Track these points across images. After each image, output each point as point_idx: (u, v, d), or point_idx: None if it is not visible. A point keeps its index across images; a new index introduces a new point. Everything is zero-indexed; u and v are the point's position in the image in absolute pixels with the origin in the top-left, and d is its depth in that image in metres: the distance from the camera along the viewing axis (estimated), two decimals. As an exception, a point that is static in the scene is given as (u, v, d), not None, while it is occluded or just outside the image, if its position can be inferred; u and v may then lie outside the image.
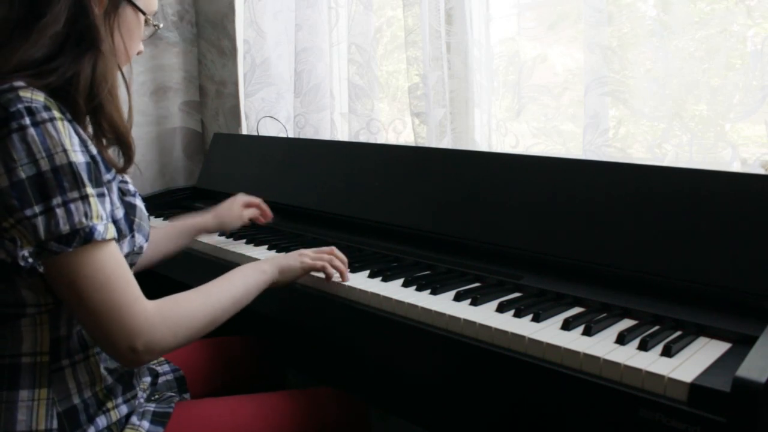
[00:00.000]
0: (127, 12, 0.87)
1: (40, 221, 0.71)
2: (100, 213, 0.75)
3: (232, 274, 0.94)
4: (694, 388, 0.65)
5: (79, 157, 0.75)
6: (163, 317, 0.78)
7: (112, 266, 0.75)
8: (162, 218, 1.70)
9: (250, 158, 1.79)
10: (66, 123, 0.75)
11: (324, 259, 1.05)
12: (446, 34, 1.54)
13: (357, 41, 1.71)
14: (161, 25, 0.97)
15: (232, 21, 2.08)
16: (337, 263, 1.05)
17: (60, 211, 0.72)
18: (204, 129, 2.29)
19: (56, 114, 0.74)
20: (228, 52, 2.13)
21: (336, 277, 1.05)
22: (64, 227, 0.71)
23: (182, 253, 1.43)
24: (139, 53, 0.95)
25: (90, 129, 0.85)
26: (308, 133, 1.91)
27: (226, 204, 1.32)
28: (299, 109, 1.93)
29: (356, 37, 1.72)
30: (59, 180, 0.72)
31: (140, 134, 2.11)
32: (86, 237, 0.72)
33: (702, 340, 0.79)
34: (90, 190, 0.74)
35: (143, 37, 0.94)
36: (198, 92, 2.27)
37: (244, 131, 2.08)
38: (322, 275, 1.06)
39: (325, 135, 1.91)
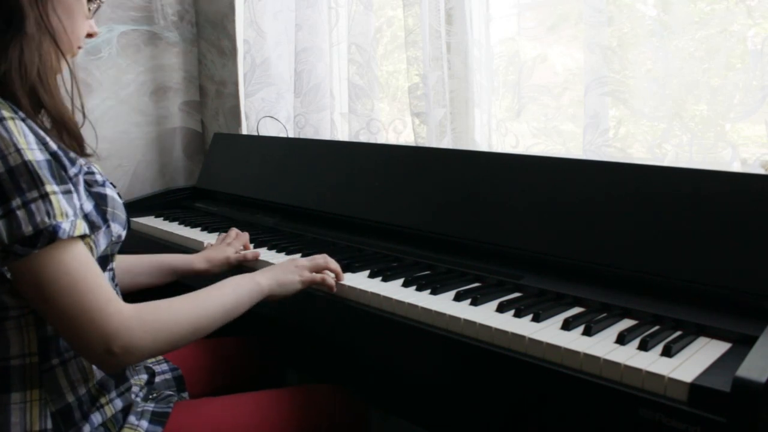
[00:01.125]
0: None
1: (1, 225, 0.70)
2: (65, 210, 0.73)
3: (224, 283, 0.92)
4: (694, 388, 0.65)
5: (36, 156, 0.73)
6: (142, 320, 0.76)
7: (79, 267, 0.73)
8: (162, 218, 1.70)
9: (250, 158, 1.79)
10: (18, 122, 0.73)
11: (320, 267, 1.03)
12: (446, 34, 1.54)
13: (357, 41, 1.71)
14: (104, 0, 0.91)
15: (232, 21, 2.08)
16: (333, 266, 1.05)
17: (21, 213, 0.70)
18: (204, 129, 2.29)
19: (5, 114, 0.72)
20: (228, 52, 2.13)
21: (332, 280, 1.04)
22: (27, 228, 0.70)
23: (182, 252, 1.43)
24: (92, 35, 0.90)
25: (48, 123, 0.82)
26: (308, 133, 1.91)
27: (219, 251, 1.21)
28: (299, 109, 1.93)
29: (356, 37, 1.72)
30: (16, 181, 0.70)
31: (140, 134, 2.11)
32: (51, 236, 0.71)
33: (702, 340, 0.79)
34: (50, 188, 0.72)
35: (88, 15, 0.88)
36: (198, 92, 2.27)
37: (244, 131, 2.08)
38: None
39: (325, 135, 1.91)
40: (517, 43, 1.46)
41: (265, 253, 1.26)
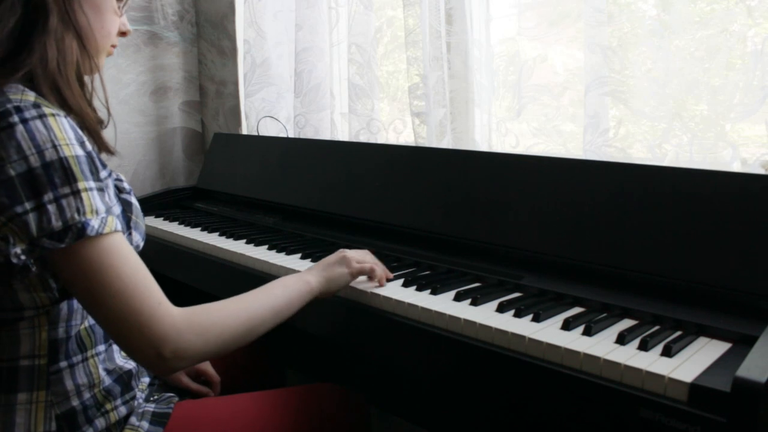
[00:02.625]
0: None
1: (31, 218, 0.70)
2: (96, 207, 0.73)
3: (273, 284, 0.91)
4: (694, 388, 0.65)
5: (75, 151, 0.73)
6: (191, 323, 0.75)
7: (120, 264, 0.73)
8: (162, 218, 1.70)
9: (250, 158, 1.79)
10: (60, 119, 0.74)
11: (368, 261, 1.02)
12: (446, 34, 1.54)
13: (357, 41, 1.71)
14: None
15: (232, 21, 2.08)
16: (382, 268, 1.04)
17: (51, 207, 0.71)
18: (204, 129, 2.29)
19: (46, 111, 0.73)
20: (228, 52, 2.13)
21: (374, 284, 1.02)
22: (57, 223, 0.71)
23: (182, 252, 1.43)
24: (125, 33, 0.91)
25: None
26: (308, 133, 1.91)
27: None
28: (299, 109, 1.93)
29: (356, 37, 1.71)
30: (50, 176, 0.71)
31: (140, 134, 2.11)
32: (79, 233, 0.71)
33: (702, 340, 0.79)
34: (83, 184, 0.73)
35: (118, 12, 0.88)
36: (198, 92, 2.27)
37: (244, 131, 2.08)
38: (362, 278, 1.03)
39: (325, 135, 1.91)
40: (517, 43, 1.45)
41: (265, 253, 1.26)
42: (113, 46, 0.90)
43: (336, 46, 1.93)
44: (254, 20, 1.93)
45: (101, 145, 0.85)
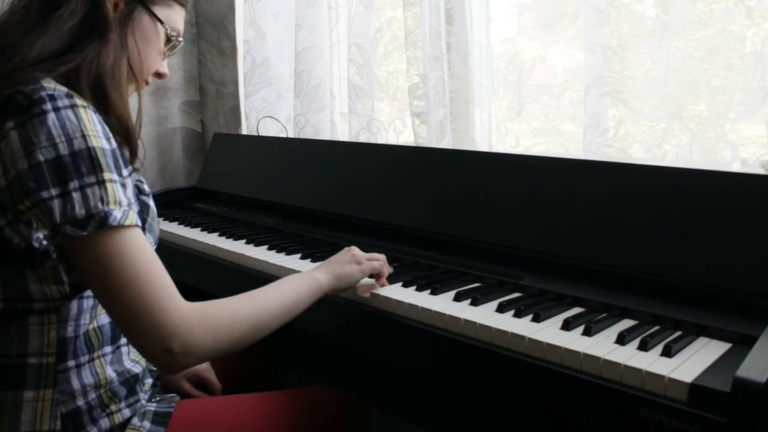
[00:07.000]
0: (144, 19, 0.89)
1: (56, 204, 0.71)
2: (119, 199, 0.75)
3: (281, 281, 0.91)
4: (694, 388, 0.65)
5: (102, 143, 0.75)
6: (201, 318, 0.75)
7: (137, 256, 0.74)
8: (162, 218, 1.70)
9: (250, 158, 1.79)
10: (89, 111, 0.76)
11: (378, 258, 1.02)
12: (446, 34, 1.54)
13: (357, 41, 1.71)
14: (182, 41, 0.96)
15: (232, 21, 2.08)
16: (387, 268, 1.04)
17: (76, 195, 0.72)
18: (204, 129, 2.29)
19: (78, 102, 0.75)
20: (228, 52, 2.13)
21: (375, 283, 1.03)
22: (80, 211, 0.72)
23: (182, 252, 1.44)
24: (161, 75, 0.96)
25: None
26: (308, 133, 1.91)
27: None
28: (299, 109, 1.93)
29: (356, 37, 1.72)
30: (77, 164, 0.72)
31: (140, 134, 2.11)
32: (101, 222, 0.72)
33: (702, 340, 0.79)
34: (108, 175, 0.74)
35: (164, 52, 0.94)
36: (198, 92, 2.27)
37: (244, 131, 2.08)
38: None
39: (325, 135, 1.91)
40: (517, 43, 1.46)
41: (264, 253, 1.26)
42: (146, 83, 0.94)
43: (336, 46, 1.93)
44: (254, 20, 1.93)
45: (133, 153, 0.87)
